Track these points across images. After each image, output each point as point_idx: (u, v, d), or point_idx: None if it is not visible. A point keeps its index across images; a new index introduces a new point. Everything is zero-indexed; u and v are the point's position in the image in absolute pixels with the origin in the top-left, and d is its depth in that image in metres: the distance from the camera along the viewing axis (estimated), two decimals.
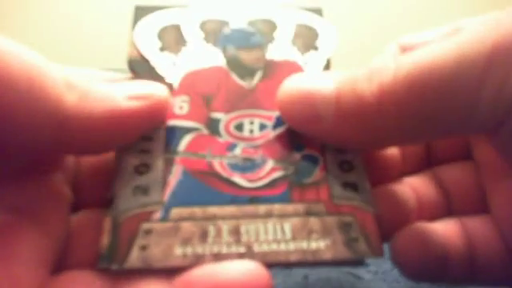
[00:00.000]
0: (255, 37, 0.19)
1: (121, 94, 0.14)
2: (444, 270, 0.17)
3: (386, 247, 0.15)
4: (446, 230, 0.17)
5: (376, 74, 0.14)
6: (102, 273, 0.14)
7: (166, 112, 0.16)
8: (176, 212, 0.15)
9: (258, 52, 0.19)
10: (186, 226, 0.14)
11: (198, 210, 0.15)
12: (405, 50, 0.17)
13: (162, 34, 0.18)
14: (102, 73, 0.15)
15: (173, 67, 0.18)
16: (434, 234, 0.17)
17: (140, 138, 0.16)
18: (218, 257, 0.14)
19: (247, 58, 0.18)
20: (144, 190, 0.15)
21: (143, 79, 0.17)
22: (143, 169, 0.15)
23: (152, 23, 0.18)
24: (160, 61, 0.18)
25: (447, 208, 0.18)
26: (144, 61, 0.18)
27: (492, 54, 0.13)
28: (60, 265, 0.14)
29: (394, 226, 0.17)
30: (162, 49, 0.18)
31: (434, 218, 0.18)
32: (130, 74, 0.18)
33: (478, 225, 0.17)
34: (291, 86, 0.16)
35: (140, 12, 0.19)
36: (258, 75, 0.18)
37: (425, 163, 0.20)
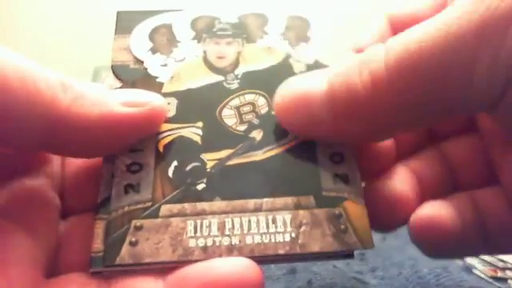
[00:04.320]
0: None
1: (115, 99, 0.14)
2: (459, 244, 0.16)
3: (380, 243, 0.15)
4: (456, 204, 0.17)
5: (365, 64, 0.14)
6: (96, 275, 0.14)
7: (162, 120, 0.16)
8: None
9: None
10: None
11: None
12: (394, 26, 0.16)
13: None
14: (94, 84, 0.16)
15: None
16: (446, 210, 0.16)
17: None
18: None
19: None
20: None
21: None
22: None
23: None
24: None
25: (453, 183, 0.18)
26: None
27: (481, 30, 0.12)
28: (54, 270, 0.14)
29: (388, 217, 0.17)
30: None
31: (439, 195, 0.17)
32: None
33: (487, 196, 0.17)
34: (285, 91, 0.16)
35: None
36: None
37: (427, 140, 0.19)
